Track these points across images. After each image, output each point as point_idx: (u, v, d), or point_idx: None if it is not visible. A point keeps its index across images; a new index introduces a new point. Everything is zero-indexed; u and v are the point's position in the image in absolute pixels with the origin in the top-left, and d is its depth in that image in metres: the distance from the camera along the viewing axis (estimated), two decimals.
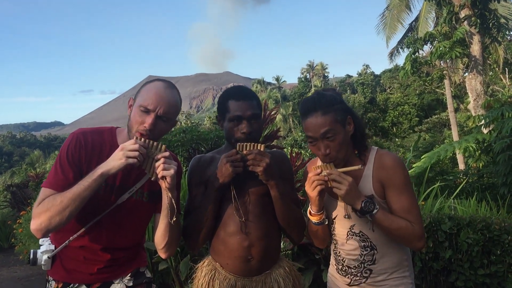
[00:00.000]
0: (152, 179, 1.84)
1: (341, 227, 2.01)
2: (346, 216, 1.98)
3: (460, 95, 32.66)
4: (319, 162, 2.09)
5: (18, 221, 9.15)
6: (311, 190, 1.87)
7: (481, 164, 9.01)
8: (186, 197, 2.22)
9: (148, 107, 1.88)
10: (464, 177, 8.85)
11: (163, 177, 1.81)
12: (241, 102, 2.02)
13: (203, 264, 2.16)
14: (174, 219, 1.90)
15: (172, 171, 1.80)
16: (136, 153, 1.76)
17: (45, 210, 1.77)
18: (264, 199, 2.05)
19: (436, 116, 37.53)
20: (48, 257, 1.97)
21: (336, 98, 1.94)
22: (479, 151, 9.02)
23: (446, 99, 23.62)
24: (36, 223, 1.78)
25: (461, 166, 15.06)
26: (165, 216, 1.91)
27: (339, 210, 2.00)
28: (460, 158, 15.66)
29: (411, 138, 34.85)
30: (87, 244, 1.96)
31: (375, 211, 1.84)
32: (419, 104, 43.01)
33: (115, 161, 1.78)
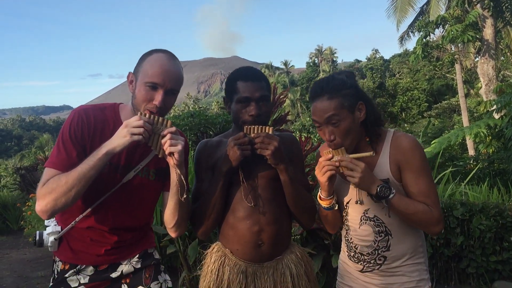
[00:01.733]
0: (159, 155, 1.78)
1: (354, 211, 1.95)
2: (358, 202, 1.92)
3: (470, 80, 32.31)
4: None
5: (27, 203, 9.23)
6: (321, 175, 1.82)
7: (491, 150, 8.93)
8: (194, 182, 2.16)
9: (156, 82, 1.80)
10: (475, 163, 8.76)
11: (171, 154, 1.75)
12: (249, 83, 1.95)
13: (212, 250, 2.11)
14: (185, 196, 1.84)
15: (179, 147, 1.74)
16: (141, 130, 1.70)
17: (50, 191, 1.72)
18: (273, 183, 1.99)
19: (445, 101, 37.20)
20: (54, 238, 1.93)
21: (345, 82, 1.85)
22: (490, 137, 8.93)
23: (456, 84, 23.35)
24: (42, 204, 1.74)
25: (471, 151, 14.91)
26: (174, 194, 1.86)
27: (352, 195, 1.95)
28: (470, 143, 15.52)
29: (420, 123, 34.61)
30: (94, 225, 1.92)
31: (391, 195, 1.78)
32: (428, 89, 42.60)
33: (119, 138, 1.71)
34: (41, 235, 1.96)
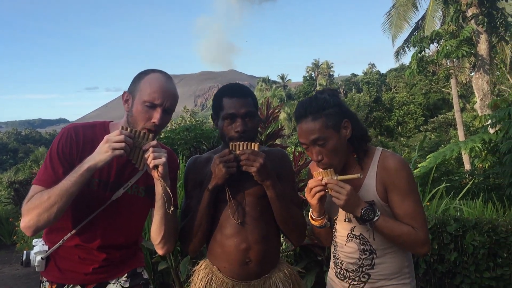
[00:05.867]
0: (140, 169, 1.80)
1: (342, 228, 1.96)
2: (347, 220, 1.93)
3: (466, 94, 32.47)
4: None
5: (20, 218, 9.15)
6: (311, 197, 1.83)
7: (487, 165, 8.94)
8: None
9: (155, 102, 1.82)
10: (470, 178, 8.76)
11: (155, 167, 1.75)
12: (235, 100, 1.94)
13: (200, 267, 2.09)
14: (172, 208, 1.84)
15: (163, 159, 1.75)
16: (122, 144, 1.70)
17: (34, 207, 1.72)
18: (261, 200, 1.98)
19: (442, 115, 37.36)
20: (41, 258, 1.91)
21: (328, 101, 1.85)
22: (485, 152, 8.94)
23: (452, 99, 23.48)
24: (25, 220, 1.74)
25: (467, 166, 14.94)
26: (160, 207, 1.86)
27: (341, 212, 1.95)
28: (465, 158, 15.55)
29: (417, 137, 34.73)
30: (82, 243, 1.90)
31: (376, 218, 1.78)
32: (424, 103, 42.83)
33: (101, 154, 1.71)
34: (28, 254, 1.95)
